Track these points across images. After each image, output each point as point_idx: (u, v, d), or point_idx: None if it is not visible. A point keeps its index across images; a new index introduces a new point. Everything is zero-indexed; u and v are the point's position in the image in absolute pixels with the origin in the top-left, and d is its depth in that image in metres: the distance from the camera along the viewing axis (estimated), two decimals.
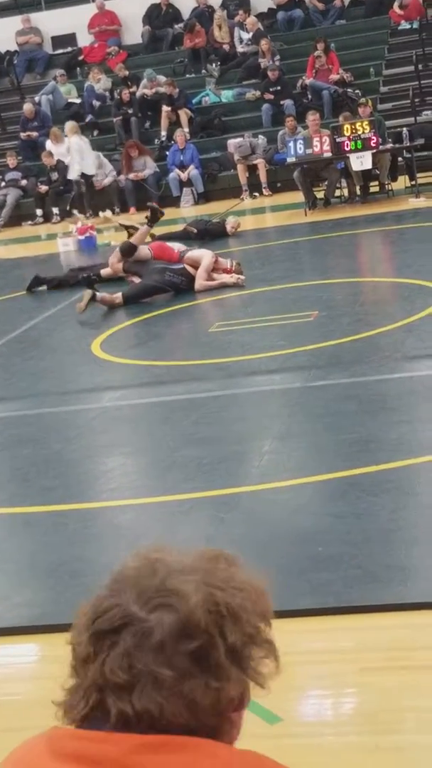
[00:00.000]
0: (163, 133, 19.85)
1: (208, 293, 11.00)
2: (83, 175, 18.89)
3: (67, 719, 1.31)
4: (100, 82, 21.35)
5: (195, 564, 1.33)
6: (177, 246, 11.76)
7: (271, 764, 1.29)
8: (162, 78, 20.49)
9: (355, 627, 4.04)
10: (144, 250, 11.61)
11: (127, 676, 1.25)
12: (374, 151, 15.05)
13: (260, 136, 18.70)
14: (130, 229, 12.14)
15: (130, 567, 1.33)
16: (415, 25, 20.29)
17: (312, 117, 16.43)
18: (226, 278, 11.17)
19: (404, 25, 20.55)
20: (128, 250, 11.56)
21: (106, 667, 1.26)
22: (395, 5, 20.76)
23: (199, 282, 11.08)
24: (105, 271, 11.89)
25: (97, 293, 10.90)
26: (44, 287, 12.61)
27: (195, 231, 13.89)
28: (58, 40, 23.40)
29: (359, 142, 15.04)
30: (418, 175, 15.40)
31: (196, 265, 11.27)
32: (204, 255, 11.34)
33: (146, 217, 12.19)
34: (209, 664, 1.27)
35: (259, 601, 1.33)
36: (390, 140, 15.66)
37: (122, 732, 1.24)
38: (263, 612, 1.33)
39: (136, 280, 11.35)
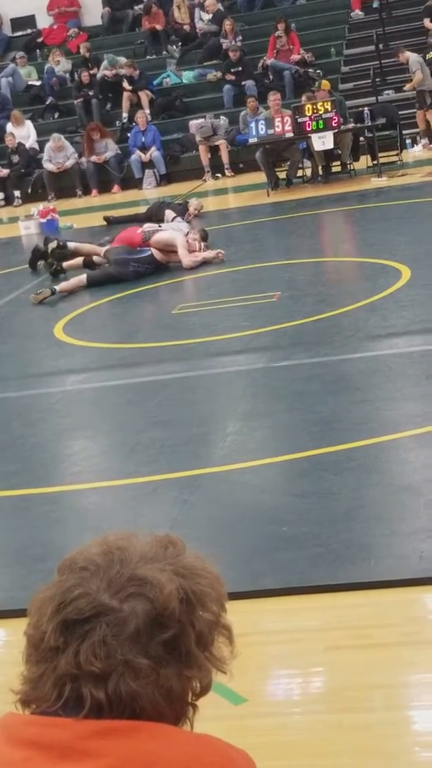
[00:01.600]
0: (125, 114, 19.73)
1: (171, 274, 10.95)
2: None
3: (35, 710, 1.29)
4: (60, 64, 21.17)
5: (154, 551, 1.31)
6: (144, 226, 11.67)
7: (224, 747, 1.28)
8: (123, 60, 20.34)
9: (320, 606, 4.03)
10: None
11: (103, 665, 1.24)
12: (336, 131, 15.02)
13: (222, 117, 18.63)
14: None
15: (96, 554, 1.31)
16: (375, 5, 20.26)
17: (273, 97, 16.38)
18: (208, 254, 11.16)
19: (358, 14, 20.49)
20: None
21: (80, 656, 1.25)
22: None
23: (186, 261, 11.03)
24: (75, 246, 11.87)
25: (56, 290, 10.89)
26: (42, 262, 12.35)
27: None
28: (17, 22, 23.16)
29: (321, 122, 15.01)
30: (380, 154, 15.40)
31: (165, 249, 11.20)
32: (175, 237, 11.27)
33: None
34: (181, 653, 1.27)
35: (217, 587, 1.33)
36: (351, 120, 15.65)
37: (94, 719, 1.24)
38: (221, 597, 1.33)
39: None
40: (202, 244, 11.44)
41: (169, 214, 12.70)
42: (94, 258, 11.51)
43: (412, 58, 17.06)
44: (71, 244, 11.94)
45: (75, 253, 11.81)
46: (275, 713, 3.46)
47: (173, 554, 1.32)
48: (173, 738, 1.25)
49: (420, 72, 16.80)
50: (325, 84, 16.73)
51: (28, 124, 19.86)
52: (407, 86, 17.17)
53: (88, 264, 11.50)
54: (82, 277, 11.04)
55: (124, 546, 1.31)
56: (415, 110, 16.92)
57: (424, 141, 16.68)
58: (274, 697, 3.61)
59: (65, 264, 11.71)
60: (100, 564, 1.29)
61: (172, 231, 11.51)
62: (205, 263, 11.10)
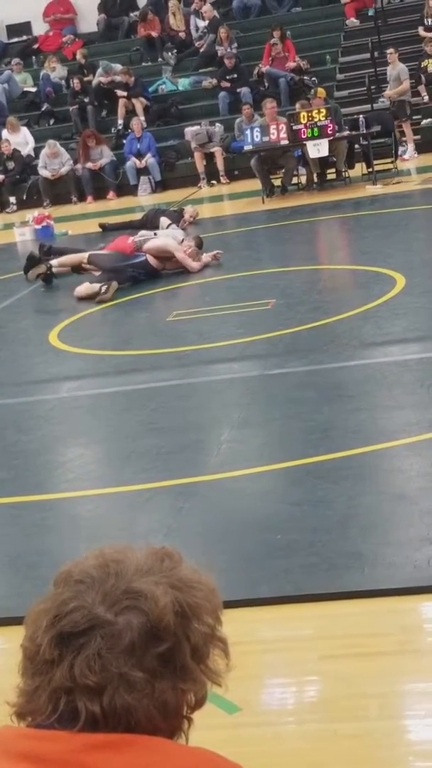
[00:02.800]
0: (120, 121, 19.75)
1: (166, 281, 10.95)
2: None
3: (30, 723, 1.29)
4: (55, 71, 21.19)
5: (150, 563, 1.31)
6: (139, 233, 11.70)
7: (219, 760, 1.28)
8: (118, 67, 20.36)
9: (314, 615, 4.03)
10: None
11: (97, 678, 1.24)
12: (331, 138, 15.05)
13: (217, 124, 18.66)
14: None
15: (92, 566, 1.31)
16: (371, 13, 20.31)
17: (269, 105, 16.41)
18: (206, 257, 11.19)
19: (353, 22, 20.54)
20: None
21: (75, 669, 1.25)
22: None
23: (191, 265, 11.07)
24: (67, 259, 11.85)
25: (52, 265, 11.26)
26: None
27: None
28: (13, 29, 23.18)
29: (316, 129, 15.03)
30: (375, 162, 15.42)
31: (160, 255, 11.22)
32: (168, 243, 11.28)
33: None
34: (176, 666, 1.27)
35: (212, 600, 1.33)
36: (346, 127, 15.67)
37: (89, 732, 1.24)
38: (216, 610, 1.33)
39: (96, 272, 11.25)
40: (197, 250, 11.45)
41: (164, 221, 12.72)
42: (83, 265, 11.52)
43: (401, 66, 17.19)
44: (54, 262, 11.87)
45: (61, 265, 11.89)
46: (270, 722, 3.46)
47: (169, 567, 1.32)
48: (168, 751, 1.25)
49: (407, 82, 16.97)
50: (321, 92, 16.77)
51: (24, 130, 19.88)
52: (389, 93, 17.22)
53: (77, 270, 11.56)
54: (83, 255, 11.19)
55: (119, 559, 1.31)
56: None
57: (410, 149, 16.79)
58: (269, 706, 3.61)
59: (56, 270, 11.76)
60: (96, 577, 1.29)
61: (164, 238, 11.52)
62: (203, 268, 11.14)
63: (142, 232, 11.84)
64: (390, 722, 3.42)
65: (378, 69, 18.34)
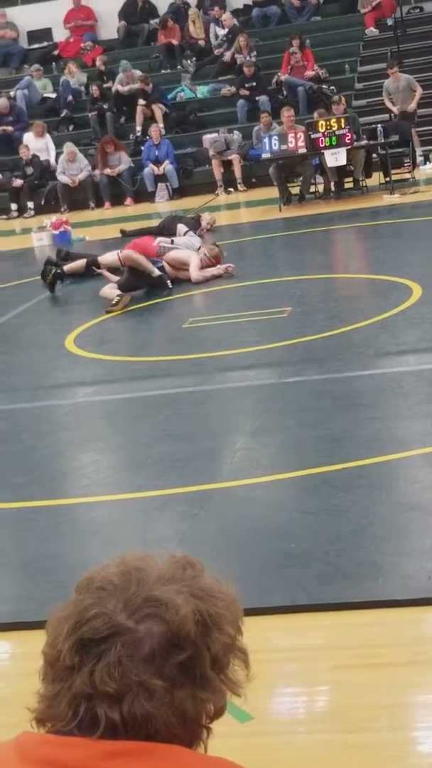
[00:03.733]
0: (138, 128, 19.80)
1: (183, 288, 10.96)
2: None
3: (50, 729, 1.29)
4: (75, 77, 21.26)
5: (172, 572, 1.32)
6: (158, 239, 11.71)
7: None
8: (138, 72, 20.42)
9: (327, 624, 4.02)
10: (112, 257, 11.62)
11: (117, 685, 1.24)
12: (349, 147, 15.05)
13: (235, 132, 18.69)
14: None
15: (114, 574, 1.31)
16: (390, 22, 20.31)
17: (287, 113, 16.44)
18: (214, 271, 11.18)
19: (372, 32, 20.53)
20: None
21: (95, 676, 1.25)
22: (360, 7, 20.80)
23: (195, 275, 11.08)
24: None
25: (62, 271, 11.41)
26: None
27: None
28: (34, 35, 23.28)
29: (334, 138, 15.04)
30: (393, 171, 15.41)
31: (178, 266, 11.23)
32: (190, 256, 11.29)
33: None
34: (195, 675, 1.27)
35: (233, 610, 1.33)
36: (364, 137, 15.67)
37: (109, 740, 1.24)
38: (237, 620, 1.33)
39: (113, 277, 11.25)
40: (219, 254, 11.46)
41: (181, 228, 12.73)
42: (99, 269, 11.58)
43: (405, 77, 17.21)
44: (66, 267, 11.94)
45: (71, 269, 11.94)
46: (281, 731, 3.45)
47: (190, 576, 1.32)
48: (187, 760, 1.25)
49: (420, 89, 17.08)
50: (342, 99, 16.80)
51: (48, 137, 19.94)
52: (413, 106, 17.20)
53: (91, 264, 11.60)
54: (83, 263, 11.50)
55: (141, 566, 1.31)
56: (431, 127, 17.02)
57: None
58: (281, 715, 3.60)
59: (66, 267, 11.79)
60: (117, 584, 1.29)
61: (188, 251, 11.50)
62: (214, 278, 11.13)
63: (160, 239, 11.85)
64: (402, 733, 3.40)
65: None
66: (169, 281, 10.92)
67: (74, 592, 1.33)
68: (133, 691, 1.24)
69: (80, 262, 11.92)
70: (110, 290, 10.72)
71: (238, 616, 1.34)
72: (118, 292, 10.63)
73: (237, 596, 1.35)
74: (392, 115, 17.15)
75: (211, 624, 1.28)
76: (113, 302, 10.44)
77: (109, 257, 11.75)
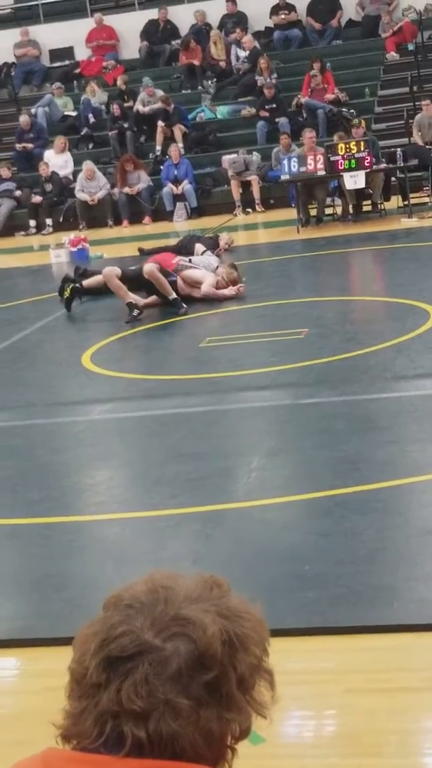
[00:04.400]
0: (158, 147, 19.88)
1: (200, 307, 10.98)
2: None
3: (76, 746, 1.29)
4: (96, 96, 21.38)
5: (199, 591, 1.32)
6: (177, 258, 11.75)
7: None
8: (159, 92, 20.53)
9: (341, 648, 4.01)
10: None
11: (144, 704, 1.24)
12: (368, 170, 15.08)
13: (254, 153, 18.74)
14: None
15: (142, 592, 1.31)
16: (411, 47, 20.37)
17: (309, 134, 16.51)
18: (226, 292, 11.21)
19: (393, 56, 20.59)
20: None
21: (122, 694, 1.24)
22: (381, 31, 20.87)
23: (205, 288, 11.13)
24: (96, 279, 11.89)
25: (79, 286, 11.52)
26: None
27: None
28: (56, 53, 23.42)
29: (353, 161, 15.08)
30: (411, 195, 15.43)
31: (192, 284, 11.27)
32: (205, 277, 11.32)
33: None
34: (221, 695, 1.27)
35: (260, 631, 1.33)
36: (383, 160, 15.70)
37: (135, 758, 1.24)
38: (263, 641, 1.33)
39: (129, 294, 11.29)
40: (235, 276, 11.50)
41: (198, 247, 12.77)
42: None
43: None
44: (85, 282, 12.03)
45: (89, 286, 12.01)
46: (293, 755, 3.43)
47: (218, 596, 1.32)
48: None
49: None
50: (362, 122, 16.84)
51: (68, 154, 20.08)
52: None
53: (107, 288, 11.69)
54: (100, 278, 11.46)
55: (169, 585, 1.32)
56: None
57: None
58: (293, 738, 3.58)
59: (84, 283, 11.86)
60: (145, 602, 1.29)
61: (205, 271, 11.53)
62: (225, 299, 11.13)
63: (179, 257, 11.90)
64: (412, 759, 3.38)
65: (417, 103, 18.38)
66: (183, 306, 10.92)
67: (102, 609, 1.33)
68: (159, 710, 1.24)
69: (98, 278, 11.97)
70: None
71: (265, 637, 1.34)
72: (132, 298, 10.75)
73: (263, 617, 1.35)
74: (410, 139, 17.16)
75: (238, 644, 1.28)
76: (135, 315, 10.55)
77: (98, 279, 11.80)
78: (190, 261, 11.79)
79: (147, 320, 10.67)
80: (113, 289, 11.02)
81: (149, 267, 11.07)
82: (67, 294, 11.69)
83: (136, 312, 10.70)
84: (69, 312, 11.61)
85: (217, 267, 11.70)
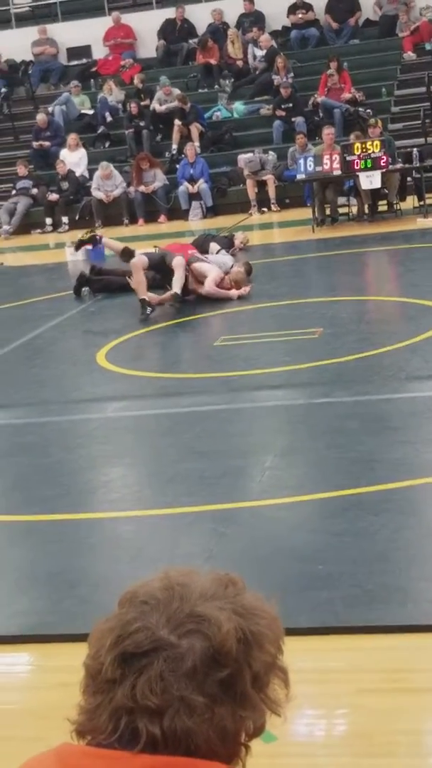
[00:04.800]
0: (174, 146, 19.90)
1: (214, 306, 10.98)
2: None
3: (91, 741, 1.30)
4: (113, 94, 21.40)
5: (215, 588, 1.32)
6: (191, 251, 11.78)
7: None
8: (176, 90, 20.54)
9: (353, 647, 4.00)
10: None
11: (159, 700, 1.24)
12: (384, 170, 15.06)
13: (270, 152, 18.74)
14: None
15: (157, 589, 1.32)
16: (428, 47, 20.33)
17: (328, 131, 16.55)
18: (232, 293, 11.18)
19: (410, 56, 20.54)
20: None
21: (137, 690, 1.25)
22: (398, 31, 20.81)
23: (207, 287, 11.12)
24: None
25: (100, 238, 11.97)
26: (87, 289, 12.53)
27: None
28: (73, 52, 23.46)
29: (369, 161, 15.06)
30: (427, 195, 15.40)
31: (200, 278, 11.29)
32: (210, 270, 11.33)
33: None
34: (236, 692, 1.27)
35: (275, 628, 1.34)
36: (400, 160, 15.67)
37: (149, 754, 1.24)
38: (278, 639, 1.34)
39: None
40: (245, 278, 11.50)
41: (213, 246, 12.78)
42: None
43: None
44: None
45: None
46: (305, 753, 3.44)
47: (233, 593, 1.32)
48: None
49: None
50: (379, 122, 16.82)
51: (82, 151, 20.11)
52: None
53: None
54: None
55: (185, 582, 1.32)
56: None
57: None
58: (305, 737, 3.58)
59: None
60: (161, 599, 1.30)
61: (211, 265, 11.54)
62: (228, 299, 11.13)
63: (194, 251, 11.96)
64: (425, 760, 3.38)
65: None
66: (185, 297, 11.07)
67: (117, 605, 1.34)
68: (174, 707, 1.24)
69: (118, 244, 12.08)
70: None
71: (280, 635, 1.34)
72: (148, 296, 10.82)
73: (278, 615, 1.35)
74: (427, 139, 17.11)
75: (253, 642, 1.29)
76: (148, 312, 10.61)
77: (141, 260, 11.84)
78: (205, 258, 11.81)
79: (161, 318, 10.69)
80: (135, 282, 10.98)
81: (180, 260, 11.08)
82: (85, 237, 12.32)
83: (149, 310, 10.72)
84: (78, 297, 11.79)
85: (232, 266, 11.70)
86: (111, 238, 16.65)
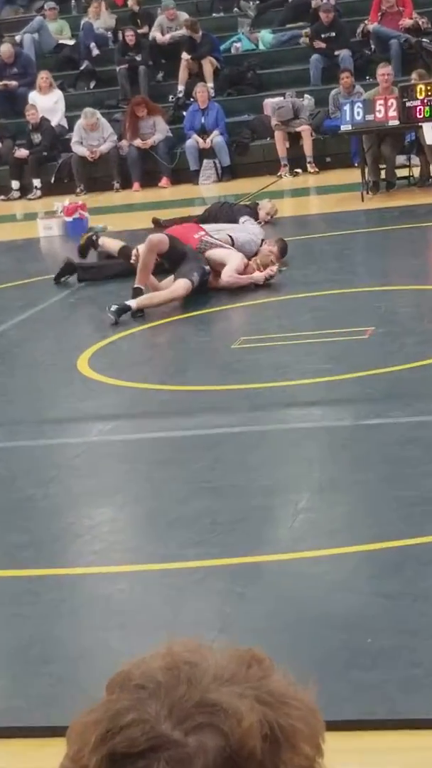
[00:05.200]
0: (180, 87, 19.99)
1: (233, 297, 11.00)
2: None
3: None
4: (100, 19, 21.49)
5: (233, 669, 1.32)
6: (201, 233, 11.73)
7: None
8: (183, 15, 20.62)
9: (413, 747, 4.02)
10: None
11: None
12: None
13: (306, 96, 18.82)
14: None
15: (158, 669, 1.32)
16: None
17: (382, 70, 16.61)
18: (256, 276, 11.16)
19: None
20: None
21: None
22: None
23: (225, 278, 11.08)
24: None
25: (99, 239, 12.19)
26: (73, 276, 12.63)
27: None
28: None
29: None
30: None
31: (217, 268, 11.27)
32: (229, 257, 11.28)
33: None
34: None
35: (311, 722, 1.32)
36: None
37: None
38: (316, 736, 1.33)
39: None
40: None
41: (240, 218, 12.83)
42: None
43: None
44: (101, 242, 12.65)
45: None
46: None
47: (257, 675, 1.31)
48: None
49: None
50: None
51: (57, 93, 20.13)
52: None
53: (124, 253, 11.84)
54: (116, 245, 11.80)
55: (194, 661, 1.31)
56: None
57: None
58: None
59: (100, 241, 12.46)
60: (162, 682, 1.30)
61: (229, 250, 11.51)
62: (253, 285, 11.16)
63: (210, 227, 11.89)
64: None
65: None
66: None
67: (106, 690, 1.34)
68: None
69: (115, 244, 12.16)
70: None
71: (318, 730, 1.33)
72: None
73: (316, 705, 1.36)
74: None
75: (283, 740, 1.28)
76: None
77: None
78: (230, 237, 11.74)
79: (162, 314, 10.71)
80: (142, 264, 11.00)
81: (185, 284, 10.91)
82: (83, 243, 12.53)
83: (132, 306, 10.79)
84: (84, 258, 12.18)
85: (262, 241, 11.71)
86: (96, 208, 16.74)
